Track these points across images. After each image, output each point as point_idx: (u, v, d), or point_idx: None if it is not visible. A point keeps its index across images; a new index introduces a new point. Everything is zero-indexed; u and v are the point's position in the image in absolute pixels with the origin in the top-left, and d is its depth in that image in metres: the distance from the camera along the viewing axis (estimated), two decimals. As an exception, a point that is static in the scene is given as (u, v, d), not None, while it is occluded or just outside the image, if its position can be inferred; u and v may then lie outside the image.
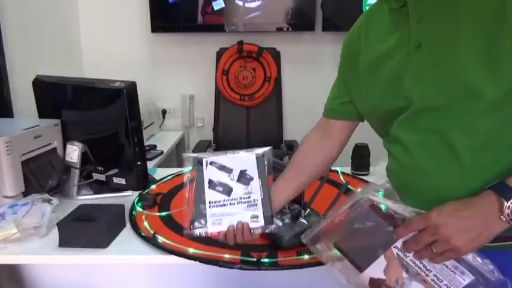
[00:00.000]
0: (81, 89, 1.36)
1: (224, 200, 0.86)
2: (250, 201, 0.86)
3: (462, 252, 0.66)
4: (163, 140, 2.42)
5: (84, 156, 1.33)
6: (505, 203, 0.63)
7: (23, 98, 1.89)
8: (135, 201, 1.27)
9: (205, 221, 0.84)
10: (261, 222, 0.84)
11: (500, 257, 0.68)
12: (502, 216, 0.63)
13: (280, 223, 1.03)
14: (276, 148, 2.47)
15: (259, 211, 0.85)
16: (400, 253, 0.71)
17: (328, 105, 0.94)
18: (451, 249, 0.65)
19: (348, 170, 1.49)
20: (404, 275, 0.72)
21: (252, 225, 0.84)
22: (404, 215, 0.70)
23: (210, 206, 0.85)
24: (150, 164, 1.72)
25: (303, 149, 0.97)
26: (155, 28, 2.55)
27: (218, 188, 0.87)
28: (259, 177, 0.88)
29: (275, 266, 0.94)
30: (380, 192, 0.74)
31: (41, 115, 1.43)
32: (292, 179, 0.94)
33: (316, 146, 0.95)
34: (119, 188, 1.33)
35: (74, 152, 1.32)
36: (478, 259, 0.67)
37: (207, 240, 0.97)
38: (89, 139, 1.34)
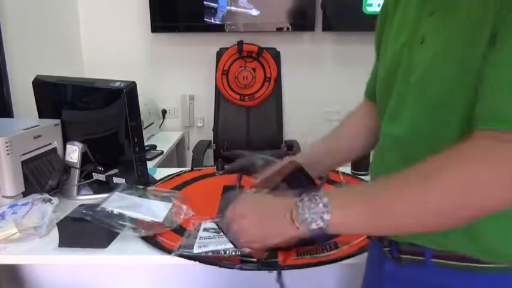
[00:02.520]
0: (81, 89, 1.35)
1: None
2: None
3: (252, 244, 0.74)
4: (163, 140, 2.42)
5: (84, 156, 1.33)
6: (293, 211, 0.63)
7: (23, 98, 1.89)
8: (135, 201, 1.27)
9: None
10: None
11: (453, 278, 0.64)
12: (293, 222, 0.64)
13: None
14: (276, 148, 2.47)
15: None
16: None
17: (366, 85, 0.90)
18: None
19: (348, 170, 1.48)
20: None
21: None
22: None
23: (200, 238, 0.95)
24: (150, 164, 1.72)
25: (344, 121, 0.96)
26: (155, 28, 2.55)
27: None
28: None
29: (275, 266, 0.93)
30: None
31: (41, 115, 1.42)
32: (330, 143, 0.95)
33: (357, 118, 0.94)
34: (118, 188, 1.33)
35: (74, 152, 1.32)
36: None
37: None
38: (89, 139, 1.34)
